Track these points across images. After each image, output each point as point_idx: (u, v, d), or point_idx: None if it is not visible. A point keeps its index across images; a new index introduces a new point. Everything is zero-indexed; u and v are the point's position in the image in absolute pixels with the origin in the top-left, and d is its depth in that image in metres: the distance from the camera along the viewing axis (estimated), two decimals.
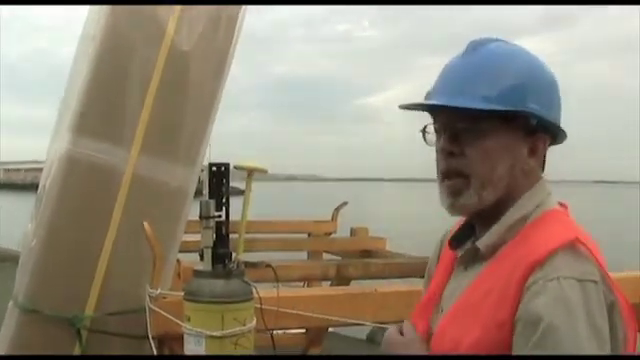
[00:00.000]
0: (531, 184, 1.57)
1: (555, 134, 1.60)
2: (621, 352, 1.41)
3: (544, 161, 1.61)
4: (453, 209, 1.57)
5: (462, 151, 1.52)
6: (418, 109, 1.61)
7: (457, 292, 1.57)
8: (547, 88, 1.56)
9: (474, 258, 1.57)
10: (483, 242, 1.54)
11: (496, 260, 1.51)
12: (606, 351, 1.35)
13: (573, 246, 1.42)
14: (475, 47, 1.56)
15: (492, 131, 1.51)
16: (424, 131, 1.62)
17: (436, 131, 1.59)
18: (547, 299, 1.35)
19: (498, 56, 1.55)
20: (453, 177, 1.54)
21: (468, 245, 1.63)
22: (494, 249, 1.52)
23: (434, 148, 1.61)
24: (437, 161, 1.59)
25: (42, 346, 3.55)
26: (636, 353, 1.48)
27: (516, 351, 1.37)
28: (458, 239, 1.67)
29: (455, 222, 1.75)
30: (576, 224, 1.53)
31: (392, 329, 1.68)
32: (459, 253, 1.64)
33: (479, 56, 1.54)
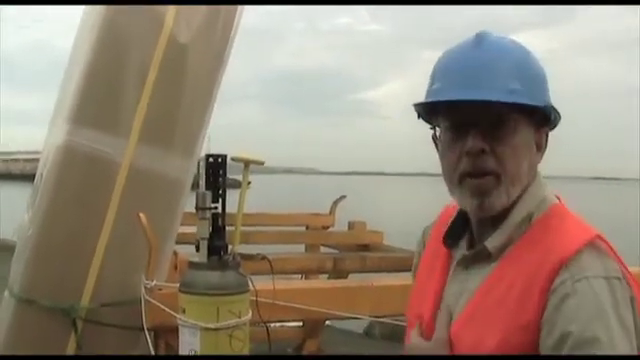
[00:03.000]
0: (532, 179, 1.54)
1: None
2: None
3: None
4: (481, 209, 1.50)
5: (491, 149, 1.46)
6: (439, 104, 1.51)
7: (465, 294, 1.51)
8: (547, 79, 1.54)
9: (477, 258, 1.53)
10: (492, 242, 1.49)
11: (507, 260, 1.47)
12: (634, 347, 1.33)
13: (595, 244, 1.40)
14: (482, 39, 1.49)
15: (517, 127, 1.47)
16: (435, 129, 1.55)
17: (452, 128, 1.51)
18: (578, 301, 1.32)
19: (509, 49, 1.50)
20: (481, 176, 1.47)
21: (464, 243, 1.60)
22: (502, 249, 1.48)
23: (433, 144, 1.56)
24: (451, 160, 1.51)
25: (37, 336, 3.56)
26: None
27: (546, 353, 1.34)
28: (451, 237, 1.63)
29: (439, 215, 1.72)
30: (582, 219, 1.51)
31: (416, 336, 1.61)
32: (456, 251, 1.60)
33: (489, 48, 1.48)
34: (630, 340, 1.33)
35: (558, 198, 1.57)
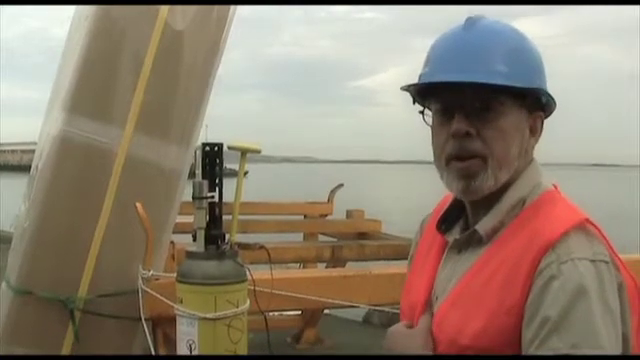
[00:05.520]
0: (527, 164, 1.54)
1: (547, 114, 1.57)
2: (630, 334, 1.39)
3: None
4: (467, 192, 1.50)
5: (478, 132, 1.46)
6: (429, 87, 1.52)
7: (454, 278, 1.52)
8: (542, 64, 1.53)
9: (469, 242, 1.53)
10: (483, 226, 1.50)
11: (496, 244, 1.47)
12: (618, 332, 1.33)
13: (583, 227, 1.40)
14: (473, 23, 1.50)
15: (505, 110, 1.46)
16: (423, 112, 1.56)
17: (440, 112, 1.52)
18: (561, 283, 1.32)
19: (499, 32, 1.50)
20: (467, 159, 1.47)
21: (457, 228, 1.60)
22: (493, 233, 1.48)
23: (430, 130, 1.57)
24: (439, 143, 1.52)
25: (35, 327, 3.54)
26: None
27: (527, 337, 1.34)
28: (446, 222, 1.63)
29: (437, 204, 1.71)
30: (576, 205, 1.51)
31: (401, 323, 1.63)
32: (450, 237, 1.59)
33: (480, 32, 1.49)
34: (614, 323, 1.32)
35: (555, 186, 1.57)
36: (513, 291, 1.37)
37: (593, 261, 1.35)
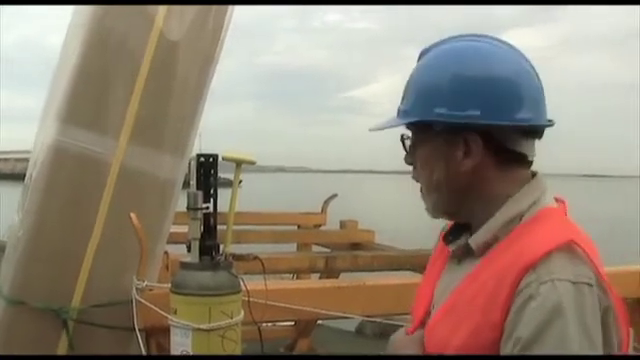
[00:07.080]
0: (521, 180, 1.52)
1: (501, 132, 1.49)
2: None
3: (521, 155, 1.51)
4: (427, 212, 1.64)
5: (413, 161, 1.62)
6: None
7: (449, 289, 1.54)
8: (473, 86, 1.47)
9: (466, 254, 1.55)
10: (475, 239, 1.52)
11: (488, 258, 1.47)
12: (597, 352, 1.31)
13: (569, 247, 1.38)
14: (419, 57, 1.61)
15: (421, 140, 1.57)
16: (402, 139, 1.65)
17: None
18: (540, 303, 1.31)
19: (424, 65, 1.57)
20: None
21: (462, 240, 1.61)
22: (486, 247, 1.49)
23: None
24: None
25: (28, 337, 3.53)
26: (631, 354, 1.45)
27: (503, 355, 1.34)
28: (454, 234, 1.65)
29: None
30: (572, 223, 1.50)
31: (403, 329, 1.69)
32: (452, 248, 1.62)
33: (415, 67, 1.60)
34: (591, 347, 1.30)
35: (561, 201, 1.56)
36: (495, 309, 1.37)
37: (575, 283, 1.33)
